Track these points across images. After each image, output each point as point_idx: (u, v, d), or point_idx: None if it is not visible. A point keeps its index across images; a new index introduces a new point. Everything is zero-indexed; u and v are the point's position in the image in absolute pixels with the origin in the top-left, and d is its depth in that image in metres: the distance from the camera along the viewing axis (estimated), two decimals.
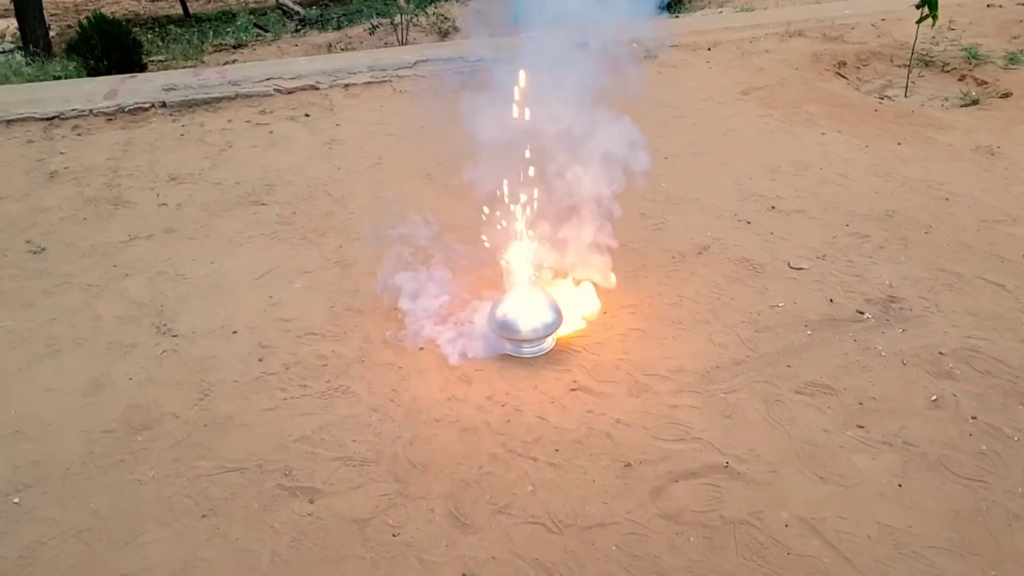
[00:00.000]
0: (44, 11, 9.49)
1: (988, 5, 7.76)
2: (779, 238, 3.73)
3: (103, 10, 10.66)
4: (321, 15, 11.59)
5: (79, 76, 6.96)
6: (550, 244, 3.17)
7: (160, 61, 8.52)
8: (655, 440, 2.54)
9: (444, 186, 3.72)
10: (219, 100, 5.68)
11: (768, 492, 2.34)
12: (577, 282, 3.24)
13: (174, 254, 3.77)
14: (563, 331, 3.03)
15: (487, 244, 3.03)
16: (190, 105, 5.61)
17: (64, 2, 13.26)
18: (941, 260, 3.49)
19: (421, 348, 3.01)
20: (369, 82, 5.99)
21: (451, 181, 3.19)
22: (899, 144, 4.78)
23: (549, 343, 2.98)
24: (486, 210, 2.98)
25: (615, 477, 2.41)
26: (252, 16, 12.16)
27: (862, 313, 3.14)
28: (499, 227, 2.97)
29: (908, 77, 5.84)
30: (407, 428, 2.63)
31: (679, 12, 9.20)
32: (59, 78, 6.80)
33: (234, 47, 9.58)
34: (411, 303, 3.19)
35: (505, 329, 2.90)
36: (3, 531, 2.30)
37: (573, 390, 2.78)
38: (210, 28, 11.21)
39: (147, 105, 5.55)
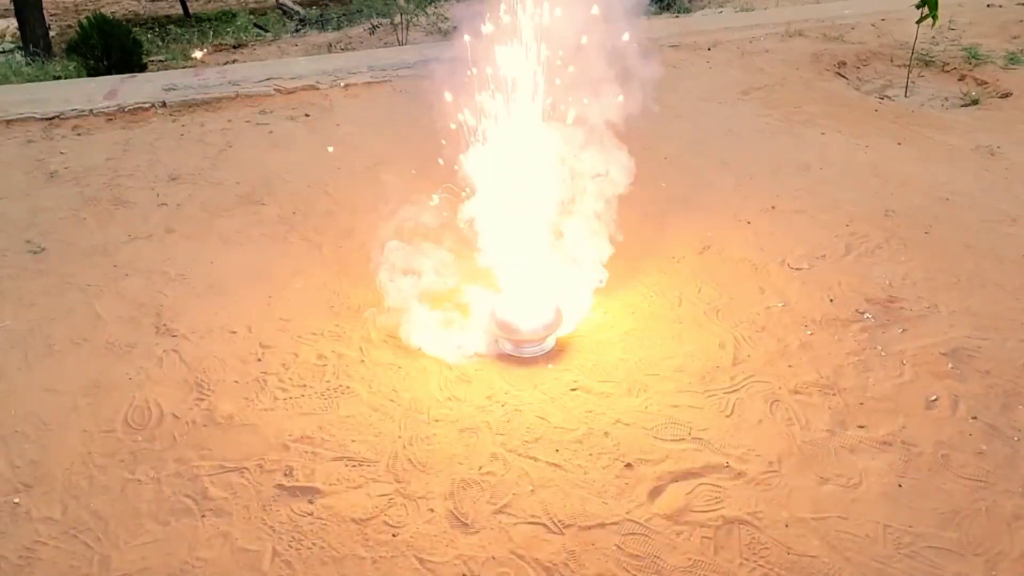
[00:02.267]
0: (44, 11, 9.49)
1: (988, 5, 7.76)
2: (779, 238, 3.73)
3: (103, 10, 10.67)
4: (321, 15, 11.59)
5: (79, 76, 6.96)
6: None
7: (160, 61, 8.52)
8: (655, 440, 2.54)
9: (445, 185, 3.70)
10: (219, 100, 5.68)
11: (768, 492, 2.34)
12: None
13: (174, 254, 3.77)
14: (563, 331, 3.04)
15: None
16: (190, 105, 5.62)
17: (64, 2, 13.26)
18: (941, 260, 3.49)
19: (420, 347, 3.01)
20: (369, 82, 6.00)
21: (453, 180, 3.18)
22: (899, 144, 4.78)
23: (549, 343, 2.98)
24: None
25: (615, 477, 2.41)
26: (252, 16, 12.16)
27: (862, 313, 3.14)
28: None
29: (908, 77, 5.84)
30: (407, 428, 2.63)
31: (679, 12, 9.20)
32: (59, 78, 6.80)
33: (234, 47, 9.58)
34: (395, 278, 3.17)
35: (505, 329, 2.90)
36: (3, 531, 2.30)
37: (573, 390, 2.78)
38: (210, 28, 11.21)
39: (147, 105, 5.55)
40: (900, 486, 2.35)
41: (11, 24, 9.69)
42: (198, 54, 8.62)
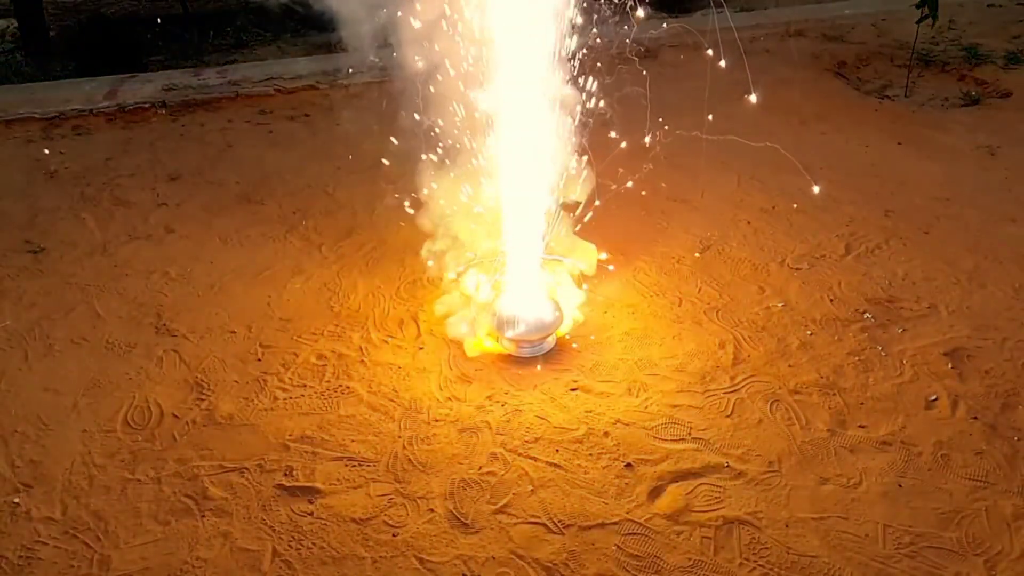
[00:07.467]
0: (44, 11, 9.47)
1: (988, 5, 7.76)
2: (779, 238, 3.73)
3: (103, 10, 10.65)
4: (321, 15, 11.57)
5: (79, 76, 6.95)
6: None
7: (160, 61, 8.51)
8: (655, 440, 2.54)
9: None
10: (219, 100, 5.68)
11: (768, 492, 2.34)
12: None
13: (174, 254, 3.77)
14: (563, 327, 3.04)
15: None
16: (190, 105, 5.61)
17: (64, 2, 13.25)
18: (941, 260, 3.49)
19: (421, 348, 3.01)
20: (369, 82, 5.99)
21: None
22: (899, 144, 4.78)
23: (549, 342, 2.98)
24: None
25: (615, 477, 2.41)
26: (252, 16, 12.13)
27: (862, 313, 3.14)
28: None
29: (908, 77, 5.83)
30: (407, 428, 2.63)
31: (679, 12, 9.19)
32: (59, 78, 6.79)
33: (234, 47, 9.57)
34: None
35: (505, 329, 2.90)
36: (3, 531, 2.30)
37: (573, 390, 2.78)
38: (210, 28, 11.19)
39: (147, 105, 5.55)
40: (900, 486, 2.35)
41: (11, 24, 9.67)
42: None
